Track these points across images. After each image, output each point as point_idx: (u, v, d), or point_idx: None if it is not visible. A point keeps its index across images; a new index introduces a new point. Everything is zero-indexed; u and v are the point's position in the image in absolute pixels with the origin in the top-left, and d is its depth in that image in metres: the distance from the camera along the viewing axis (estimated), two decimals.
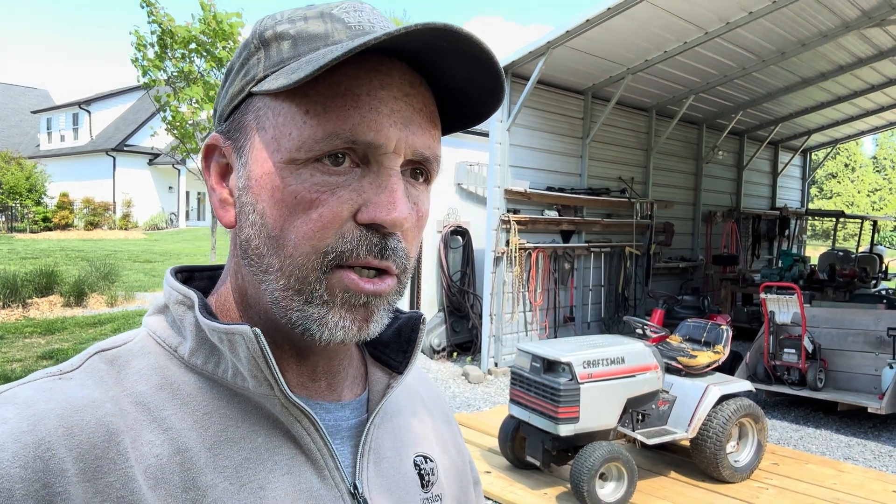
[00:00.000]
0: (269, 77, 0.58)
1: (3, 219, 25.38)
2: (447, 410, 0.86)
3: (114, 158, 27.70)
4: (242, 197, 0.60)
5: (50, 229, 24.42)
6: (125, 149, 27.55)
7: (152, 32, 7.73)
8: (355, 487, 0.63)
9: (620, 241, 9.73)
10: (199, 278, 0.72)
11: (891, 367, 6.17)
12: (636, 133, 10.31)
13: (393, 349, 0.74)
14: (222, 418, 0.58)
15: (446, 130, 0.66)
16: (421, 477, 0.72)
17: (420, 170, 0.61)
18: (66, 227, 24.96)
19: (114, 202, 27.29)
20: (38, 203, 25.56)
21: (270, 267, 0.58)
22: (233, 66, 0.64)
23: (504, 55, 7.74)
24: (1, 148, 28.24)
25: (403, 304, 9.09)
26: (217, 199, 0.63)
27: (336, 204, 0.56)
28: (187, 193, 30.34)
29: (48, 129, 31.93)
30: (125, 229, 25.64)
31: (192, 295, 0.62)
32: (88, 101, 30.14)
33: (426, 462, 0.73)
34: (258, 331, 0.57)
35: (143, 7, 7.72)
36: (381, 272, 0.59)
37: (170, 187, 29.85)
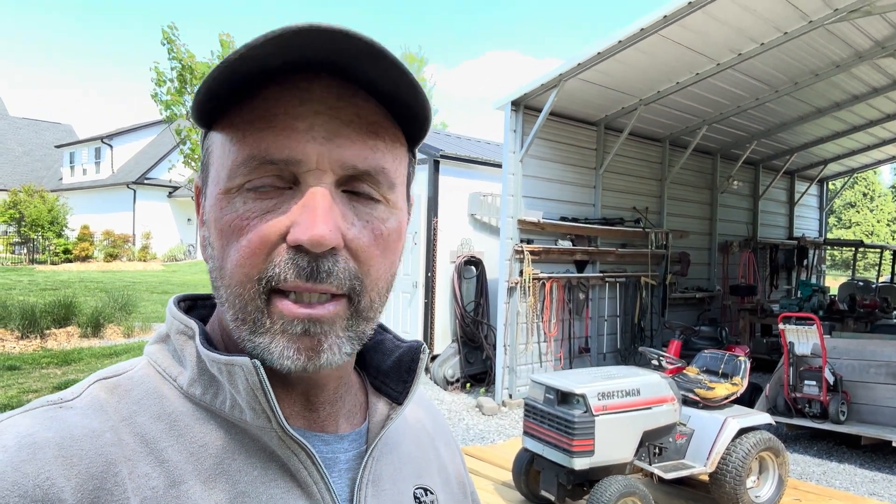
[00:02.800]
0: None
1: (25, 251, 25.78)
2: (451, 439, 0.85)
3: (134, 191, 28.16)
4: (203, 231, 0.62)
5: (70, 261, 24.75)
6: (145, 182, 28.02)
7: (172, 69, 7.92)
8: None
9: (635, 271, 9.66)
10: (202, 307, 0.72)
11: None
12: (650, 163, 10.31)
13: (393, 379, 0.72)
14: (218, 450, 0.58)
15: (415, 141, 0.64)
16: None
17: (365, 185, 0.58)
18: (87, 258, 25.28)
19: (133, 234, 27.67)
20: (60, 235, 25.95)
21: (220, 297, 0.59)
22: None
23: (518, 88, 7.82)
24: (25, 181, 28.84)
25: (416, 334, 9.07)
26: (200, 237, 0.64)
27: (264, 229, 0.55)
28: None
29: (71, 162, 32.60)
30: (144, 261, 25.92)
31: (194, 325, 0.62)
32: (110, 136, 30.79)
33: (426, 494, 0.72)
34: (258, 363, 0.56)
35: (164, 44, 7.92)
36: (334, 296, 0.56)
37: (188, 219, 30.23)
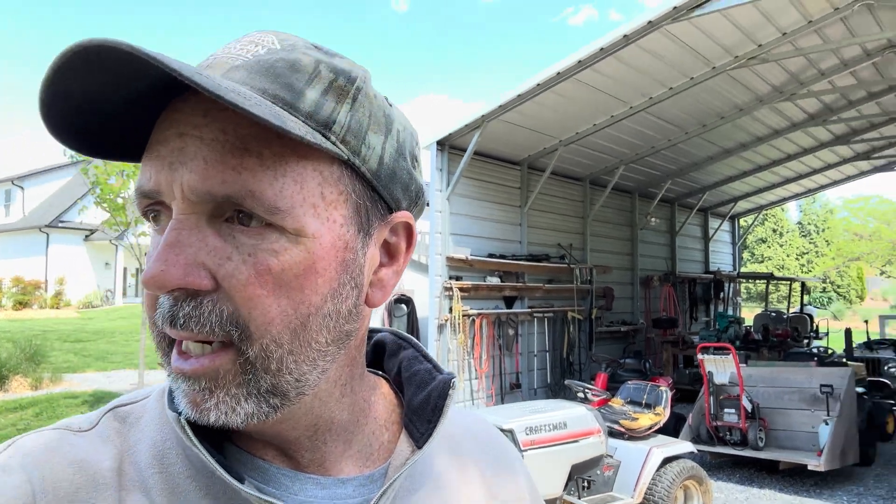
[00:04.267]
0: None
1: None
2: (524, 492, 0.72)
3: (47, 235, 26.79)
4: None
5: None
6: (60, 225, 26.72)
7: None
8: None
9: (562, 305, 9.85)
10: None
11: (826, 424, 6.32)
12: (572, 201, 10.63)
13: (420, 417, 0.64)
14: (201, 488, 0.53)
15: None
16: None
17: (244, 212, 0.49)
18: None
19: (46, 280, 26.21)
20: None
21: None
22: None
23: (443, 129, 7.96)
24: None
25: None
26: None
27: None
28: (125, 269, 29.43)
29: None
30: (57, 308, 24.54)
31: None
32: (21, 178, 29.32)
33: None
34: (182, 419, 0.51)
35: None
36: (219, 346, 0.50)
37: (106, 263, 28.93)
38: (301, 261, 0.50)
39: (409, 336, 0.72)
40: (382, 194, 0.56)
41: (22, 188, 29.01)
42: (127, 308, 25.32)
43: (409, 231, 0.60)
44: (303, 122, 0.49)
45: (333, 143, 0.51)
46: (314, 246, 0.51)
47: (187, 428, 0.51)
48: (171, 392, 0.54)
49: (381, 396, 0.67)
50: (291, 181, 0.50)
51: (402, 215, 0.59)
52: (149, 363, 10.63)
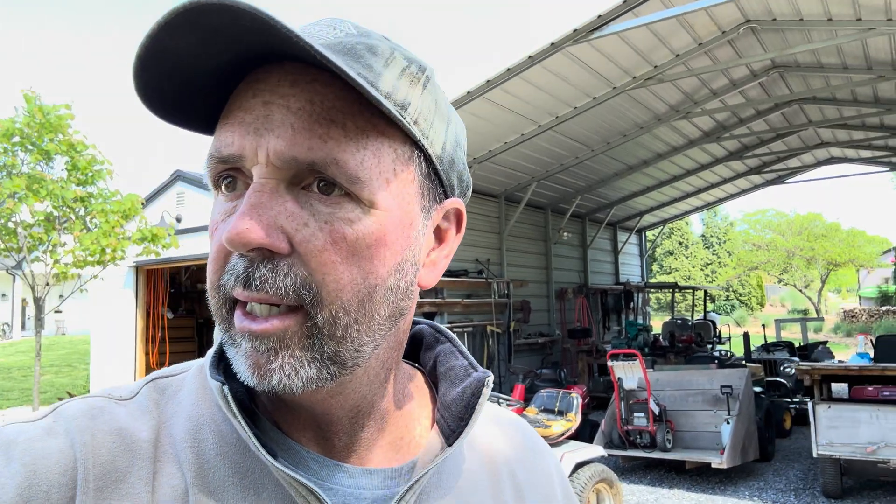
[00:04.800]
0: None
1: None
2: (559, 498, 0.72)
3: (14, 277, 24.83)
4: None
5: None
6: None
7: None
8: None
9: (482, 320, 10.00)
10: None
11: (727, 423, 6.67)
12: (488, 217, 10.85)
13: (453, 414, 0.63)
14: (231, 464, 0.54)
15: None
16: None
17: (329, 181, 0.51)
18: None
19: None
20: None
21: None
22: None
23: None
24: None
25: None
26: None
27: (223, 232, 0.51)
28: (23, 300, 27.58)
29: None
30: None
31: (219, 336, 0.57)
32: None
33: None
34: (226, 388, 0.52)
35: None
36: (289, 309, 0.50)
37: (3, 295, 27.05)
38: (373, 231, 0.52)
39: (447, 330, 0.71)
40: (442, 179, 0.59)
41: None
42: (27, 341, 23.71)
43: (459, 217, 0.62)
44: (384, 100, 0.51)
45: (410, 123, 0.53)
46: (385, 219, 0.53)
47: (229, 397, 0.51)
48: (215, 362, 0.56)
49: (416, 388, 0.67)
50: (371, 154, 0.51)
51: (454, 202, 0.61)
52: (43, 400, 9.96)
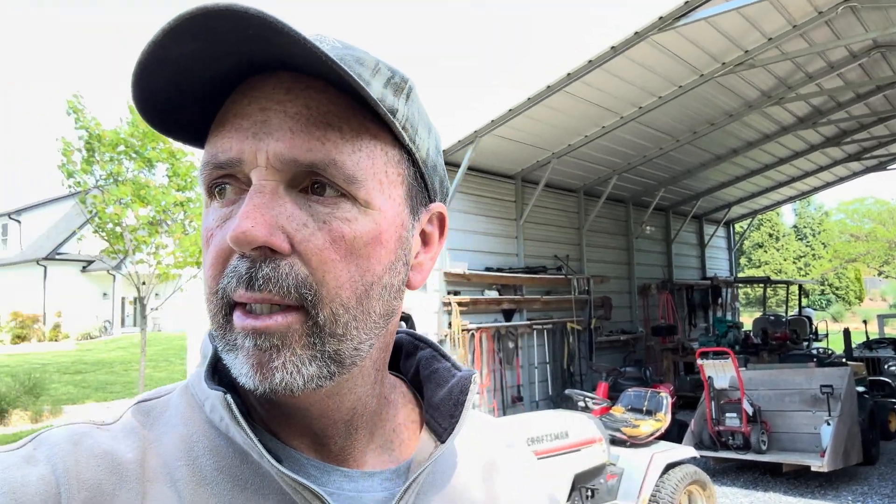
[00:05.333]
0: None
1: None
2: (527, 473, 0.75)
3: (45, 268, 26.77)
4: None
5: None
6: (57, 257, 26.72)
7: (80, 138, 7.74)
8: None
9: (561, 317, 9.87)
10: None
11: (828, 424, 6.32)
12: (567, 213, 10.69)
13: (442, 413, 0.66)
14: (231, 478, 0.55)
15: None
16: None
17: (324, 183, 0.53)
18: None
19: (44, 313, 26.15)
20: None
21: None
22: None
23: None
24: None
25: None
26: None
27: (221, 236, 0.52)
28: (122, 299, 29.38)
29: None
30: (55, 340, 24.46)
31: (209, 349, 0.59)
32: (18, 212, 29.35)
33: None
34: (230, 397, 0.52)
35: (70, 114, 7.74)
36: (287, 308, 0.51)
37: (104, 294, 28.89)
38: (369, 230, 0.54)
39: (426, 336, 0.73)
40: (427, 183, 0.61)
41: (19, 221, 29.04)
42: (126, 338, 25.26)
43: (442, 221, 0.64)
44: (380, 103, 0.54)
45: (400, 127, 0.57)
46: (380, 218, 0.55)
47: (233, 405, 0.52)
48: (209, 375, 0.57)
49: (401, 395, 0.69)
50: (366, 156, 0.54)
51: (439, 206, 0.63)
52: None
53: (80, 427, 0.56)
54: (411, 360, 0.72)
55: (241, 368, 0.52)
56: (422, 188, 0.61)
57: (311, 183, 0.53)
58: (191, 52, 0.49)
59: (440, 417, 0.66)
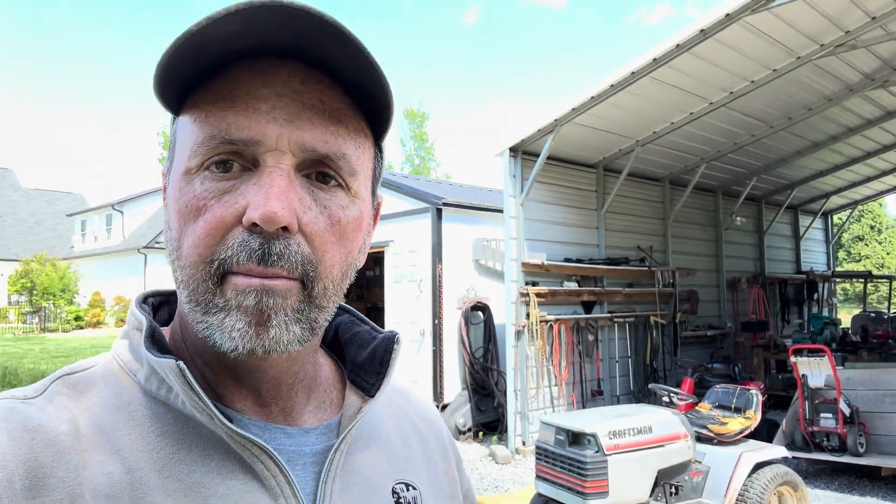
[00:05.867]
0: None
1: (37, 320, 25.94)
2: (442, 434, 0.83)
3: (144, 256, 28.46)
4: (165, 215, 0.63)
5: (82, 328, 24.86)
6: (156, 246, 28.34)
7: None
8: None
9: (644, 310, 9.62)
10: (174, 302, 0.72)
11: None
12: (651, 203, 10.39)
13: (368, 371, 0.72)
14: (175, 441, 0.58)
15: (380, 133, 0.66)
16: None
17: (327, 172, 0.59)
18: (98, 324, 25.40)
19: None
20: (71, 302, 26.16)
21: (177, 279, 0.59)
22: None
23: (515, 134, 7.97)
24: (37, 251, 29.25)
25: (426, 382, 9.01)
26: (164, 223, 0.64)
27: (221, 209, 0.55)
28: None
29: (82, 230, 33.10)
30: None
31: (143, 320, 0.62)
32: (121, 203, 31.33)
33: (408, 489, 0.70)
34: (182, 364, 0.56)
35: None
36: (288, 280, 0.57)
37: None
38: (356, 217, 0.62)
39: (343, 304, 0.77)
40: (379, 179, 0.69)
41: (121, 212, 30.99)
42: None
43: (378, 212, 0.72)
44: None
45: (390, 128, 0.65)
46: (362, 206, 0.63)
47: (186, 371, 0.56)
48: (149, 346, 0.59)
49: (323, 357, 0.75)
50: (362, 152, 0.62)
51: (380, 195, 0.72)
52: None
53: (4, 402, 0.56)
54: (329, 326, 0.75)
55: (232, 327, 0.55)
56: (377, 182, 0.69)
57: (315, 171, 0.59)
58: (229, 30, 0.52)
59: (366, 375, 0.72)
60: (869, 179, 13.78)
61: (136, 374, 0.62)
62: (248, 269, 0.55)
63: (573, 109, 7.33)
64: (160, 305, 0.72)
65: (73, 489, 0.52)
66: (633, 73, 6.81)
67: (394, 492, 0.69)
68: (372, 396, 0.70)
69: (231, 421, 0.59)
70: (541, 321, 7.96)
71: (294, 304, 0.57)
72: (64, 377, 0.62)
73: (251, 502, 0.58)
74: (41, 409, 0.57)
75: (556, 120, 7.48)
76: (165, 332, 0.68)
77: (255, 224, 0.54)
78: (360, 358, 0.74)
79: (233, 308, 0.56)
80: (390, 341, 0.72)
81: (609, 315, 9.10)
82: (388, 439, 0.73)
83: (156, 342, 0.61)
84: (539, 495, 4.61)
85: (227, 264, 0.55)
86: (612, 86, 7.00)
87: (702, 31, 6.29)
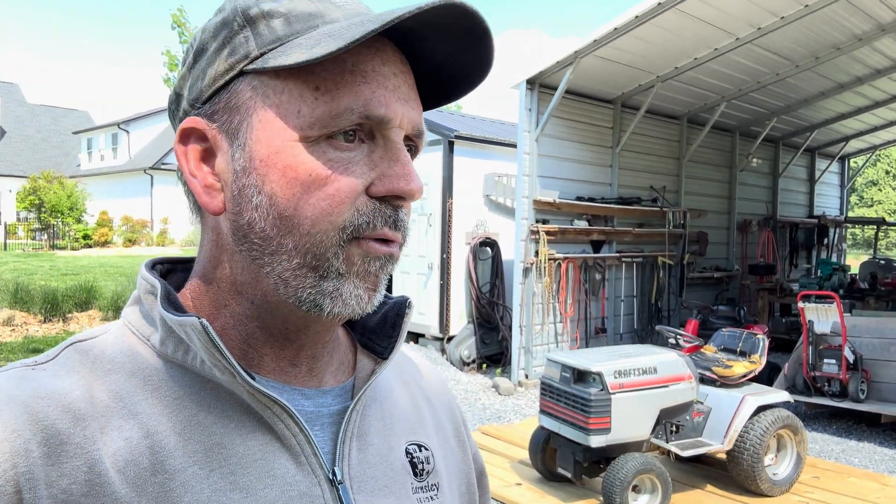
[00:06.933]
0: (270, 54, 0.57)
1: (46, 237, 26.16)
2: (449, 399, 0.85)
3: (151, 177, 28.39)
4: (242, 179, 0.59)
5: (90, 246, 25.08)
6: (162, 167, 28.21)
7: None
8: (334, 474, 0.62)
9: (653, 250, 9.59)
10: (181, 270, 0.71)
11: None
12: (667, 141, 10.19)
13: (379, 335, 0.74)
14: (193, 403, 0.58)
15: (425, 107, 0.68)
16: (413, 465, 0.70)
17: (411, 146, 0.63)
18: (106, 244, 25.60)
19: (151, 219, 27.92)
20: (79, 221, 26.29)
21: (282, 247, 0.58)
22: (206, 47, 0.62)
23: (533, 66, 7.74)
24: (44, 168, 29.18)
25: (433, 315, 9.10)
26: (200, 186, 0.61)
27: (350, 179, 0.58)
28: None
29: (89, 149, 32.91)
30: (162, 245, 26.21)
31: (157, 284, 0.61)
32: (127, 122, 31.01)
33: (420, 450, 0.72)
34: (206, 322, 0.56)
35: (174, 28, 7.94)
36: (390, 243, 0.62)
37: None
38: None
39: None
40: None
41: (127, 132, 30.71)
42: None
43: None
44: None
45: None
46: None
47: (210, 329, 0.56)
48: (167, 308, 0.59)
49: None
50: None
51: None
52: None
53: (14, 372, 0.56)
54: None
55: (351, 291, 0.59)
56: None
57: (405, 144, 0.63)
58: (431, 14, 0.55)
59: (378, 339, 0.74)
60: (891, 124, 13.45)
61: (149, 339, 0.62)
62: (384, 234, 0.59)
63: (595, 41, 7.07)
64: (166, 274, 0.70)
65: (92, 455, 0.52)
66: (659, 3, 6.53)
67: (407, 452, 0.71)
68: (385, 359, 0.72)
69: (253, 379, 0.59)
70: (549, 259, 7.95)
71: (391, 268, 0.63)
72: (76, 343, 0.61)
73: (272, 461, 0.59)
74: (54, 374, 0.57)
75: (576, 52, 7.23)
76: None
77: (394, 196, 0.59)
78: (372, 322, 0.75)
79: (353, 275, 0.59)
80: (402, 305, 0.73)
81: (617, 255, 9.08)
82: (398, 402, 0.75)
83: (171, 304, 0.61)
84: (542, 429, 4.71)
85: (359, 230, 0.58)
86: (637, 17, 6.73)
87: None
